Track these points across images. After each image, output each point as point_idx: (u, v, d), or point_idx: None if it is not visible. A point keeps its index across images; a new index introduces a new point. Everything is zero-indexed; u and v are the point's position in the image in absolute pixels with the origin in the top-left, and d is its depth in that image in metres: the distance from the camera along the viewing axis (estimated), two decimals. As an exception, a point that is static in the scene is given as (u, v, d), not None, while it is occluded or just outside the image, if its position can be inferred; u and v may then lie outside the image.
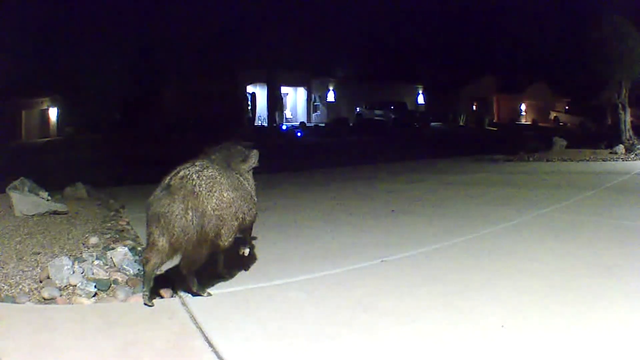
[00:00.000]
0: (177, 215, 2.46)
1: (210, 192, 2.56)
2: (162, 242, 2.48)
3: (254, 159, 2.96)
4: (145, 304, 2.49)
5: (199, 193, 2.52)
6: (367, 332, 2.23)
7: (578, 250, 3.43)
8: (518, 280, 2.87)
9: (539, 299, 2.56)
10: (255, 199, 2.97)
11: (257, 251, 3.68)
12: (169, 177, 2.60)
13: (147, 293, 2.51)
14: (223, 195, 2.61)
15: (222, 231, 2.62)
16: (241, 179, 2.84)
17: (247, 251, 3.05)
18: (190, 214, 2.47)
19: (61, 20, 26.51)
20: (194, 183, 2.54)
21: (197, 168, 2.61)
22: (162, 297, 2.71)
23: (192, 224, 2.47)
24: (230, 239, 2.71)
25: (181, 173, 2.59)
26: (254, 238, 3.41)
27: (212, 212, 2.54)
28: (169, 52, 27.77)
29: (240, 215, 2.73)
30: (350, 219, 4.75)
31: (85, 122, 25.85)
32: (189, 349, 2.09)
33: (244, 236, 3.03)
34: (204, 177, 2.58)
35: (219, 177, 2.64)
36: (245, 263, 3.23)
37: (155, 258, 2.50)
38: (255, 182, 3.06)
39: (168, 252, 2.50)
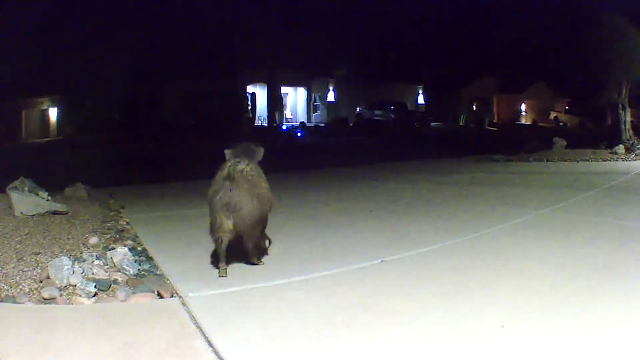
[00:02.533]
0: (246, 202, 2.97)
1: (261, 181, 3.11)
2: (229, 224, 2.96)
3: (259, 154, 3.37)
4: (221, 276, 2.97)
5: (257, 183, 3.06)
6: (367, 332, 2.23)
7: (578, 250, 3.43)
8: (518, 280, 2.87)
9: (539, 299, 2.56)
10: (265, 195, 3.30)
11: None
12: (226, 171, 3.02)
13: (224, 267, 3.02)
14: (266, 184, 3.16)
15: (266, 213, 3.17)
16: (252, 172, 3.19)
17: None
18: (255, 200, 3.00)
19: (61, 21, 26.50)
20: (251, 175, 3.05)
21: (247, 162, 3.09)
22: (162, 297, 2.71)
23: (256, 208, 3.01)
24: (245, 224, 3.08)
25: (238, 167, 3.04)
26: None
27: (265, 197, 3.09)
28: (169, 52, 27.75)
29: (270, 202, 3.24)
30: (350, 219, 4.75)
31: (85, 122, 25.82)
32: (189, 349, 2.09)
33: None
34: (254, 170, 3.09)
35: (258, 169, 3.15)
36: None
37: (226, 237, 2.98)
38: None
39: (233, 231, 2.98)
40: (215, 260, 3.19)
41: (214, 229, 3.01)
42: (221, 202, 2.95)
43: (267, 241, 3.58)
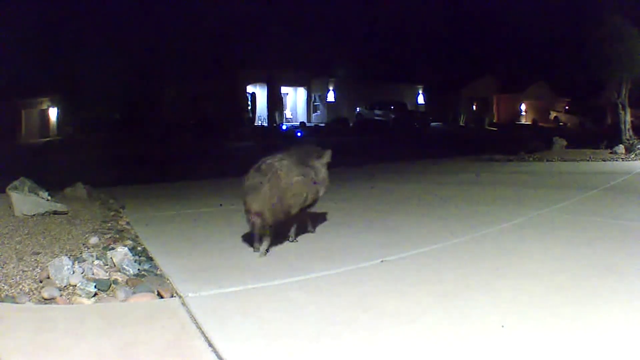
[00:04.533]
0: (265, 187, 3.38)
1: (286, 174, 3.50)
2: (255, 207, 3.37)
3: (327, 156, 3.94)
4: (255, 251, 3.48)
5: (279, 174, 3.46)
6: (367, 332, 2.23)
7: (578, 250, 3.43)
8: (518, 280, 2.87)
9: (539, 299, 2.56)
10: (323, 185, 3.90)
11: (255, 251, 3.68)
12: (259, 163, 3.52)
13: (258, 247, 3.48)
14: (293, 178, 3.54)
15: (292, 202, 3.56)
16: (308, 169, 3.74)
17: (312, 229, 4.17)
18: (274, 188, 3.40)
19: (61, 20, 26.50)
20: (276, 168, 3.48)
21: (278, 159, 3.56)
22: (162, 297, 2.71)
23: (274, 194, 3.39)
24: (296, 209, 3.64)
25: (268, 161, 3.52)
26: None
27: (286, 187, 3.47)
28: (169, 52, 27.75)
29: (304, 194, 3.67)
30: (349, 219, 4.75)
31: (85, 122, 25.83)
32: (189, 349, 2.09)
33: (308, 212, 3.98)
34: (283, 165, 3.53)
35: (291, 166, 3.58)
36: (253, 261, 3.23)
37: (257, 220, 3.39)
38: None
39: (259, 213, 3.37)
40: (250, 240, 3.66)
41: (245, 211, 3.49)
42: (247, 185, 3.43)
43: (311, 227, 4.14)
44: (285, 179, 3.48)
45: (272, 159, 3.54)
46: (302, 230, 3.97)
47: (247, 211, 3.43)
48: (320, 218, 4.85)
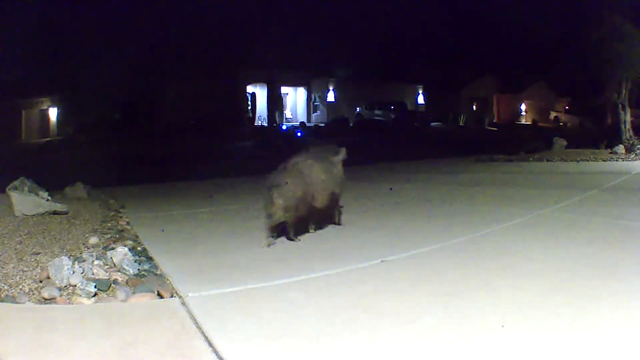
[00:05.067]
0: (289, 185, 3.66)
1: (309, 172, 3.85)
2: (279, 201, 3.61)
3: (342, 153, 4.26)
4: (268, 245, 3.71)
5: (303, 172, 3.80)
6: (367, 332, 2.23)
7: (578, 250, 3.42)
8: (518, 280, 2.87)
9: (539, 299, 2.56)
10: (342, 178, 4.23)
11: (256, 250, 3.68)
12: (285, 163, 3.85)
13: (271, 238, 3.75)
14: (317, 175, 3.88)
15: (317, 196, 3.88)
16: (330, 167, 4.08)
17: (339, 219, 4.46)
18: (298, 184, 3.71)
19: (61, 20, 26.49)
20: (300, 166, 3.82)
21: (303, 158, 3.91)
22: (162, 297, 2.71)
23: (298, 190, 3.70)
24: (321, 204, 3.96)
25: (293, 160, 3.88)
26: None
27: (310, 184, 3.80)
28: (169, 52, 27.74)
29: (329, 190, 4.00)
30: (349, 219, 4.75)
31: (85, 122, 25.83)
32: (189, 349, 2.09)
33: (334, 205, 4.31)
34: (307, 163, 3.87)
35: (315, 164, 3.92)
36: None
37: (276, 213, 3.62)
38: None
39: (282, 208, 3.62)
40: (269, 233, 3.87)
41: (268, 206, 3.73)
42: (273, 182, 3.70)
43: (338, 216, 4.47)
44: (308, 178, 3.81)
45: (297, 158, 3.91)
46: (304, 230, 4.10)
47: (273, 205, 3.65)
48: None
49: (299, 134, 25.18)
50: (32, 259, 3.22)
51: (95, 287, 2.74)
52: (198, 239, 4.17)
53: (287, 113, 32.93)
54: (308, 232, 4.08)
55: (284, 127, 28.01)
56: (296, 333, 2.23)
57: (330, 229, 4.37)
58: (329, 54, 32.53)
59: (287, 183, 3.67)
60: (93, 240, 3.73)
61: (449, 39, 36.52)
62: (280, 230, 3.86)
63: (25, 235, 3.86)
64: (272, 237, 3.77)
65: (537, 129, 29.94)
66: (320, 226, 4.22)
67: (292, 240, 3.82)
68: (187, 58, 27.80)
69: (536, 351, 2.01)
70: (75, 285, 2.76)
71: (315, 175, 3.87)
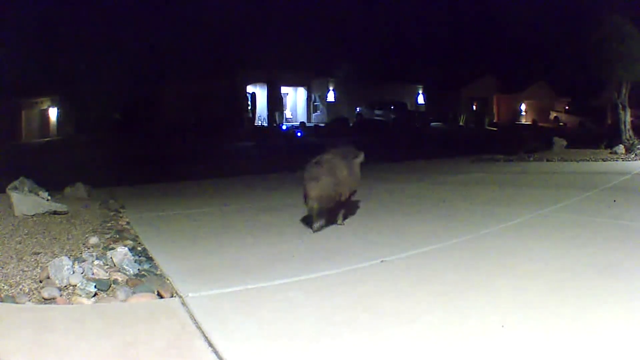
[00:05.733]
0: (323, 177, 4.09)
1: (338, 168, 4.24)
2: (314, 193, 4.05)
3: (361, 156, 4.65)
4: (314, 232, 4.17)
5: (333, 168, 4.20)
6: (367, 332, 2.23)
7: (578, 250, 3.42)
8: (518, 280, 2.87)
9: (539, 299, 2.56)
10: (359, 178, 4.59)
11: (256, 251, 3.68)
12: (317, 158, 4.23)
13: (317, 225, 4.20)
14: (342, 172, 4.27)
15: (341, 191, 4.27)
16: (351, 165, 4.45)
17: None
18: (329, 178, 4.13)
19: (61, 20, 26.50)
20: (331, 163, 4.23)
21: (332, 155, 4.31)
22: (162, 297, 2.71)
23: (329, 183, 4.11)
24: (344, 198, 4.36)
25: (325, 157, 4.26)
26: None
27: (338, 178, 4.20)
28: (169, 52, 27.75)
29: (353, 187, 4.47)
30: (349, 219, 4.75)
31: (85, 122, 25.82)
32: (189, 349, 2.09)
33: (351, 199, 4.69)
34: (335, 160, 4.28)
35: (340, 161, 4.32)
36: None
37: (315, 204, 4.07)
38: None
39: (316, 199, 4.05)
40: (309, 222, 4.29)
41: (304, 196, 4.16)
42: (309, 175, 4.12)
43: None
44: (337, 173, 4.22)
45: (325, 156, 4.30)
46: (332, 222, 4.48)
47: (308, 197, 4.11)
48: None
49: (299, 134, 25.18)
50: (32, 259, 3.22)
51: (95, 287, 2.74)
52: (198, 238, 4.17)
53: (287, 113, 32.92)
54: (336, 223, 4.46)
55: (284, 127, 28.01)
56: (296, 333, 2.23)
57: (330, 228, 4.37)
58: (329, 54, 32.55)
59: (321, 178, 4.11)
60: (93, 240, 3.73)
61: (449, 39, 36.56)
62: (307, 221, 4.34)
63: (25, 235, 3.86)
64: (317, 226, 4.22)
65: (537, 129, 29.94)
66: (334, 221, 4.49)
67: (314, 230, 4.20)
68: (187, 58, 27.81)
69: (536, 351, 2.01)
70: (75, 285, 2.76)
71: (342, 172, 4.29)
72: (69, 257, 3.02)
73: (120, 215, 5.04)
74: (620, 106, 12.17)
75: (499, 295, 2.64)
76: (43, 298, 2.64)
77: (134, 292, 2.74)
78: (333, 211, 4.40)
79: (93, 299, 2.68)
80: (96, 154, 16.65)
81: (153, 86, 27.86)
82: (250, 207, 5.86)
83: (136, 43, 25.95)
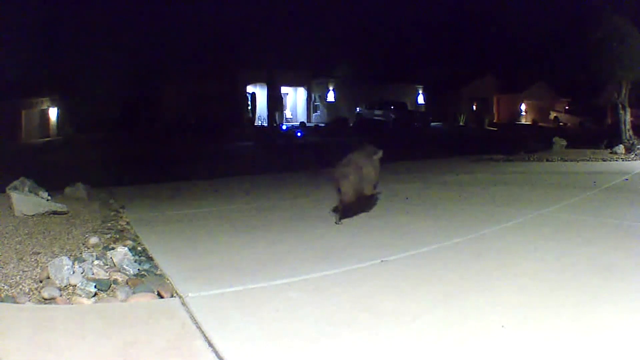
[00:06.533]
0: (352, 174, 4.56)
1: (364, 167, 4.72)
2: (345, 187, 4.52)
3: (380, 153, 5.03)
4: (336, 223, 4.54)
5: (360, 165, 4.68)
6: (367, 332, 2.23)
7: (578, 250, 3.43)
8: (518, 280, 2.87)
9: (539, 299, 2.56)
10: (379, 172, 5.00)
11: (256, 251, 3.68)
12: (348, 157, 4.72)
13: (338, 218, 4.60)
14: (367, 168, 4.75)
15: (367, 187, 4.78)
16: (373, 162, 4.92)
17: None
18: (357, 174, 4.61)
19: (61, 20, 26.50)
20: (359, 161, 4.73)
21: (357, 155, 4.79)
22: (162, 297, 2.71)
23: (357, 179, 4.59)
24: (367, 192, 4.85)
25: (352, 157, 4.73)
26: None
27: (363, 174, 4.68)
28: (169, 52, 27.75)
29: (373, 180, 4.90)
30: (349, 219, 4.75)
31: (85, 122, 25.82)
32: (189, 349, 2.09)
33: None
34: (360, 158, 4.77)
35: (365, 159, 4.81)
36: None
37: (345, 197, 4.55)
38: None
39: (347, 193, 4.54)
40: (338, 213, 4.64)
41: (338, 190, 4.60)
42: (341, 172, 4.57)
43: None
44: (363, 170, 4.68)
45: (352, 156, 4.75)
46: (359, 212, 4.92)
47: (340, 191, 4.57)
48: (320, 218, 4.85)
49: (299, 134, 25.18)
50: (32, 259, 3.22)
51: (95, 287, 2.74)
52: (198, 238, 4.16)
53: (287, 113, 32.93)
54: (363, 212, 4.95)
55: (284, 127, 28.01)
56: (296, 333, 2.23)
57: (330, 229, 4.37)
58: (329, 54, 32.55)
59: (350, 175, 4.56)
60: (93, 240, 3.73)
61: (449, 39, 36.55)
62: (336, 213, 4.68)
63: (25, 235, 3.86)
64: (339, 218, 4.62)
65: (537, 129, 29.94)
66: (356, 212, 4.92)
67: (338, 223, 4.55)
68: (187, 58, 27.80)
69: (536, 351, 2.01)
70: (75, 285, 2.76)
71: (368, 170, 4.76)
72: (69, 257, 3.02)
73: (120, 215, 5.03)
74: (620, 106, 12.17)
75: (499, 295, 2.64)
76: (43, 298, 2.64)
77: (134, 292, 2.74)
78: (356, 205, 4.88)
79: (93, 299, 2.68)
80: (96, 153, 16.65)
81: (153, 86, 27.86)
82: (250, 207, 5.85)
83: (136, 43, 25.95)
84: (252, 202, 6.20)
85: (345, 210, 4.66)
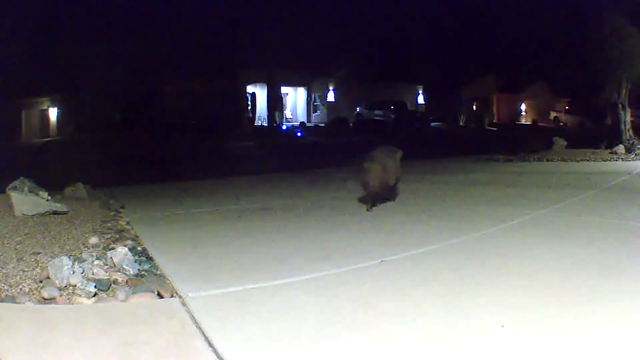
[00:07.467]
0: (375, 168, 5.05)
1: (386, 162, 5.20)
2: (371, 180, 5.02)
3: (400, 152, 5.54)
4: (368, 210, 5.14)
5: (382, 161, 5.15)
6: (367, 332, 2.23)
7: (578, 250, 3.43)
8: (518, 280, 2.87)
9: (539, 299, 2.56)
10: (400, 169, 5.49)
11: (256, 251, 3.69)
12: (372, 154, 5.19)
13: (369, 207, 5.19)
14: (389, 164, 5.24)
15: (390, 178, 5.27)
16: (395, 159, 5.42)
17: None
18: (381, 169, 5.08)
19: (61, 20, 26.50)
20: (382, 157, 5.20)
21: (380, 152, 5.27)
22: (162, 297, 2.71)
23: (381, 172, 5.08)
24: (391, 183, 5.36)
25: (375, 153, 5.20)
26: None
27: (386, 169, 5.17)
28: (169, 52, 27.75)
29: (395, 174, 5.38)
30: (349, 219, 4.75)
31: (85, 122, 25.83)
32: (189, 349, 2.09)
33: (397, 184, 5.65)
34: (383, 155, 5.26)
35: (386, 156, 5.31)
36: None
37: (373, 189, 5.09)
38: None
39: (373, 185, 5.06)
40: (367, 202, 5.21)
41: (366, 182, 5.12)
42: (367, 166, 5.03)
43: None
44: (386, 165, 5.16)
45: (375, 153, 5.21)
46: (384, 200, 5.46)
47: (366, 184, 5.07)
48: (320, 218, 4.85)
49: (299, 134, 25.19)
50: (32, 259, 3.22)
51: (95, 287, 2.74)
52: (198, 238, 4.16)
53: (287, 113, 32.93)
54: (388, 201, 5.49)
55: (284, 127, 28.02)
56: (296, 333, 2.23)
57: (330, 229, 4.37)
58: (329, 54, 32.54)
59: (375, 169, 5.02)
60: (93, 240, 3.73)
61: (449, 39, 36.54)
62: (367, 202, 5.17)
63: (25, 235, 3.86)
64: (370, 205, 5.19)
65: (537, 129, 29.95)
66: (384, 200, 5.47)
67: (369, 210, 5.10)
68: (187, 58, 27.81)
69: (536, 351, 2.01)
70: (75, 285, 2.76)
71: (391, 164, 5.27)
72: (69, 257, 3.02)
73: (120, 215, 5.03)
74: (620, 106, 12.17)
75: (499, 295, 2.64)
76: (43, 298, 2.64)
77: (134, 292, 2.74)
78: (381, 194, 5.37)
79: (93, 299, 2.68)
80: (96, 153, 16.65)
81: (153, 86, 27.87)
82: (251, 207, 5.85)
83: (136, 43, 25.95)
84: (252, 202, 6.20)
85: (374, 200, 5.21)
